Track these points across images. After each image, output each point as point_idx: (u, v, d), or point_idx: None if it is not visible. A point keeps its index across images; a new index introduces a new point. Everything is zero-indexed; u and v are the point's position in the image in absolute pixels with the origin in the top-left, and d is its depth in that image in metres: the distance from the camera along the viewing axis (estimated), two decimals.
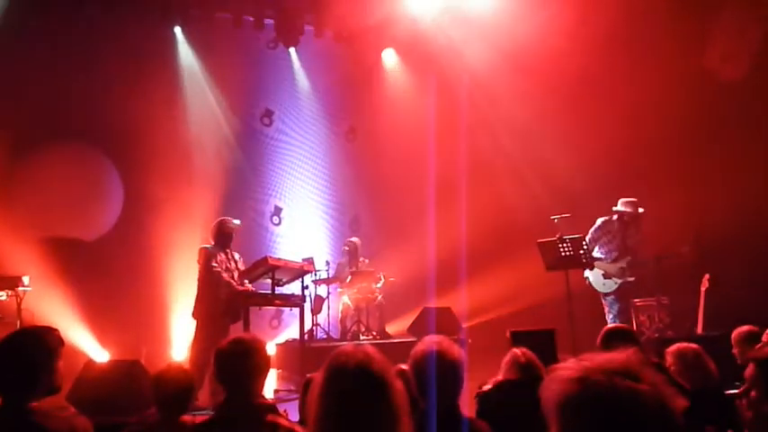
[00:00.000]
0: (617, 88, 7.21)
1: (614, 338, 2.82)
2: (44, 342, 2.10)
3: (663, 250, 6.23)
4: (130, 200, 7.66)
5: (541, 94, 7.84)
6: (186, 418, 2.50)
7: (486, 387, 3.25)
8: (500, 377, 3.35)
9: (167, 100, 8.10)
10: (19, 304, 5.86)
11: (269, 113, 9.34)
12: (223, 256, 5.60)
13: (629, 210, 6.09)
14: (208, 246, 5.60)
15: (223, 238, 5.65)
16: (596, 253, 6.18)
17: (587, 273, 6.15)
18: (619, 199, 6.22)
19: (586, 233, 6.16)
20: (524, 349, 3.39)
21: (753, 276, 6.11)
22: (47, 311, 6.00)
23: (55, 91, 7.20)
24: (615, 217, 6.18)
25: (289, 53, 9.41)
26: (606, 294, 6.15)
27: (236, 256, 5.78)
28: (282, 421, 2.04)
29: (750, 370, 1.78)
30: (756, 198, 6.36)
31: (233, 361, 2.11)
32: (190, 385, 2.60)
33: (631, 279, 6.10)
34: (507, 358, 3.37)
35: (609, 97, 7.24)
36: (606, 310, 6.18)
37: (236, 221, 5.83)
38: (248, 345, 2.17)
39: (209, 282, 5.40)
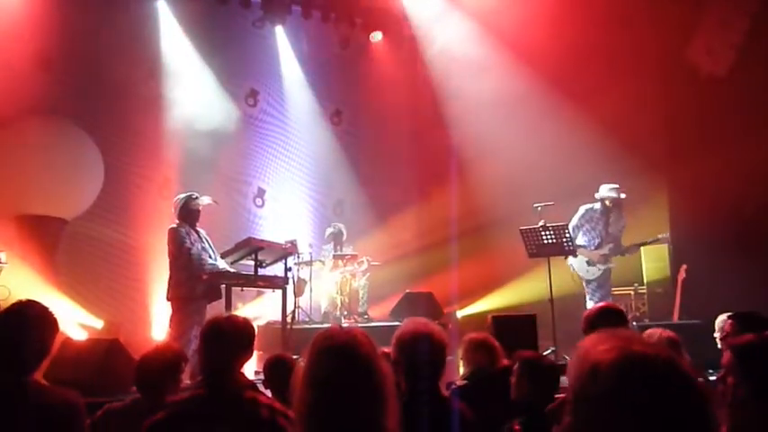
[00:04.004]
0: (602, 75, 7.19)
1: (604, 318, 2.75)
2: (53, 317, 2.05)
3: (643, 236, 6.29)
4: (110, 178, 7.52)
5: (528, 73, 7.79)
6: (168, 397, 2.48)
7: (460, 381, 3.23)
8: (466, 368, 3.33)
9: (149, 77, 7.94)
10: None
11: (254, 94, 9.21)
12: (195, 234, 5.29)
13: (612, 195, 6.15)
14: (177, 226, 5.25)
15: (189, 215, 5.32)
16: (579, 240, 6.23)
17: (571, 260, 6.17)
18: (600, 185, 6.27)
19: (569, 221, 6.21)
20: (479, 333, 3.42)
21: (728, 265, 6.19)
22: (24, 288, 5.89)
23: (33, 65, 7.02)
24: (598, 203, 6.24)
25: (275, 33, 9.27)
26: (589, 281, 6.21)
27: (203, 233, 5.44)
28: (262, 398, 2.05)
29: (727, 357, 1.82)
30: (737, 185, 6.40)
31: (222, 339, 2.09)
32: (175, 365, 2.58)
33: (613, 266, 6.19)
34: (471, 345, 3.35)
35: (594, 85, 7.23)
36: (588, 296, 6.23)
37: (205, 199, 5.44)
38: (237, 324, 2.17)
39: (185, 264, 5.12)
